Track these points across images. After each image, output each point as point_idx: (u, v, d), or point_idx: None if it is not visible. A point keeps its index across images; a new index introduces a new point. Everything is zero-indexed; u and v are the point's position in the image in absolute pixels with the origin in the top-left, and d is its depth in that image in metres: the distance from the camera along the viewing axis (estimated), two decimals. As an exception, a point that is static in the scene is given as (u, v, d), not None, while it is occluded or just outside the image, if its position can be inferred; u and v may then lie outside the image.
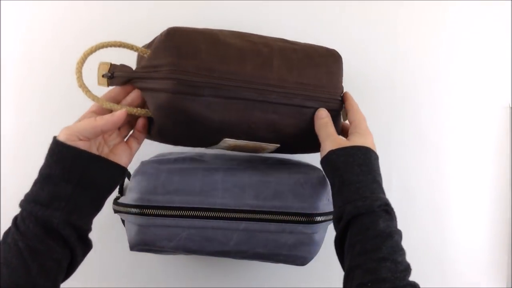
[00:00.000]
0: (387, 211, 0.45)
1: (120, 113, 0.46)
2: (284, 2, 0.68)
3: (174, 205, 0.52)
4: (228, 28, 0.53)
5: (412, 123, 0.69)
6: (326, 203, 0.56)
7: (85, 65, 0.67)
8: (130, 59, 0.52)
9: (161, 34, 0.48)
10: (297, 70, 0.51)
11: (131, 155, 0.50)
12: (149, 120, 0.50)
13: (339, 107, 0.53)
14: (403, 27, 0.69)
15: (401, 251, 0.43)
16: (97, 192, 0.46)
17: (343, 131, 0.56)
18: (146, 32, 0.67)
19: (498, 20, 0.69)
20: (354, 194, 0.45)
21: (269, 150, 0.56)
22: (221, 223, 0.52)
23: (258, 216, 0.53)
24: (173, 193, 0.53)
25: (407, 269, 0.42)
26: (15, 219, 0.43)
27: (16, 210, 0.44)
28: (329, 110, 0.52)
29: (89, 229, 0.46)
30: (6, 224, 0.44)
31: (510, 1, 0.69)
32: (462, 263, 0.70)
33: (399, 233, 0.44)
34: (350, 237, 0.44)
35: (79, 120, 0.46)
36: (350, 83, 0.59)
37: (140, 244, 0.54)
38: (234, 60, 0.48)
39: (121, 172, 0.48)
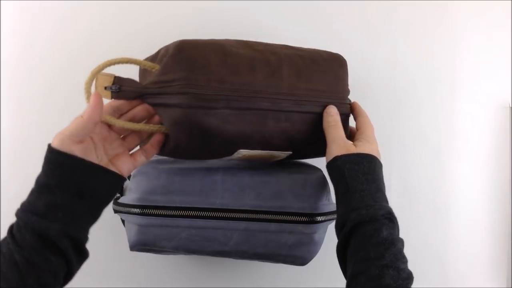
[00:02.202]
0: (390, 219, 0.45)
1: (93, 96, 0.43)
2: (283, 5, 0.68)
3: (174, 205, 0.52)
4: (230, 34, 0.54)
5: (412, 123, 0.69)
6: (326, 203, 0.56)
7: (85, 65, 0.67)
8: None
9: (168, 48, 0.47)
10: (305, 76, 0.51)
11: (134, 167, 0.48)
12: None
13: (348, 111, 0.54)
14: (403, 27, 0.69)
15: (404, 259, 0.43)
16: (95, 201, 0.44)
17: (351, 136, 0.56)
18: (145, 31, 0.68)
19: (498, 20, 0.69)
20: (359, 202, 0.45)
21: (281, 158, 0.55)
22: (221, 223, 0.52)
23: (258, 216, 0.53)
24: (173, 193, 0.53)
25: (409, 277, 0.42)
26: (11, 228, 0.41)
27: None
28: (340, 115, 0.52)
29: (86, 239, 0.44)
30: (6, 224, 0.44)
31: (510, 1, 0.69)
32: (462, 263, 0.70)
33: (401, 241, 0.45)
34: (354, 244, 0.45)
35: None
36: (350, 84, 0.59)
37: (140, 244, 0.54)
38: (245, 71, 0.48)
39: (120, 181, 0.46)
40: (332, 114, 0.51)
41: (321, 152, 0.55)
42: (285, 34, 0.67)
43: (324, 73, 0.52)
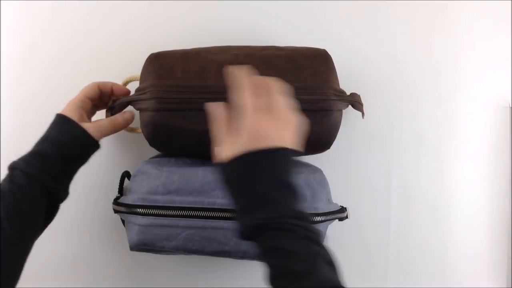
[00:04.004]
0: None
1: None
2: (283, 5, 0.68)
3: (174, 205, 0.52)
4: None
5: (412, 123, 0.69)
6: (326, 203, 0.56)
7: (85, 65, 0.67)
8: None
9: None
10: (277, 75, 0.51)
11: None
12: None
13: (330, 106, 0.53)
14: (403, 27, 0.69)
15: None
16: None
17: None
18: (145, 32, 0.68)
19: (498, 20, 0.69)
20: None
21: None
22: (221, 223, 0.52)
23: (258, 216, 0.53)
24: (173, 193, 0.53)
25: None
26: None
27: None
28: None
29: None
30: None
31: (510, 1, 0.69)
32: (462, 263, 0.70)
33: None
34: None
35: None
36: (350, 83, 0.59)
37: (140, 244, 0.54)
38: (212, 75, 0.52)
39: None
40: (211, 114, 0.45)
41: (311, 149, 0.55)
42: (284, 34, 0.67)
43: (301, 70, 0.53)
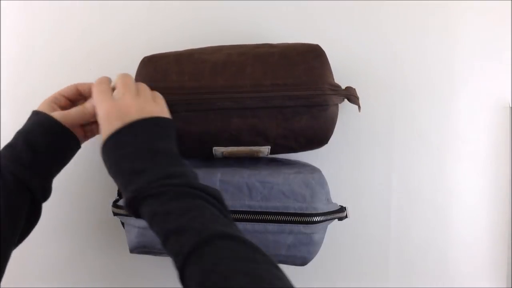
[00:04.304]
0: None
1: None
2: (283, 5, 0.68)
3: (173, 206, 0.52)
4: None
5: (412, 123, 0.69)
6: (325, 203, 0.56)
7: (85, 65, 0.67)
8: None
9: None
10: (272, 72, 0.52)
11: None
12: None
13: (326, 101, 0.53)
14: (403, 26, 0.69)
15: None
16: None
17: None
18: (145, 32, 0.68)
19: (498, 20, 0.69)
20: None
21: (264, 153, 0.56)
22: (220, 224, 0.52)
23: (257, 217, 0.53)
24: (173, 194, 0.53)
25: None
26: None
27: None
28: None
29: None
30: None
31: (510, 1, 0.69)
32: (462, 263, 0.70)
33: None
34: None
35: None
36: (350, 83, 0.59)
37: (139, 247, 0.54)
38: (206, 75, 0.52)
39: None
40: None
41: (309, 144, 0.56)
42: (278, 31, 0.67)
43: (294, 66, 0.53)
